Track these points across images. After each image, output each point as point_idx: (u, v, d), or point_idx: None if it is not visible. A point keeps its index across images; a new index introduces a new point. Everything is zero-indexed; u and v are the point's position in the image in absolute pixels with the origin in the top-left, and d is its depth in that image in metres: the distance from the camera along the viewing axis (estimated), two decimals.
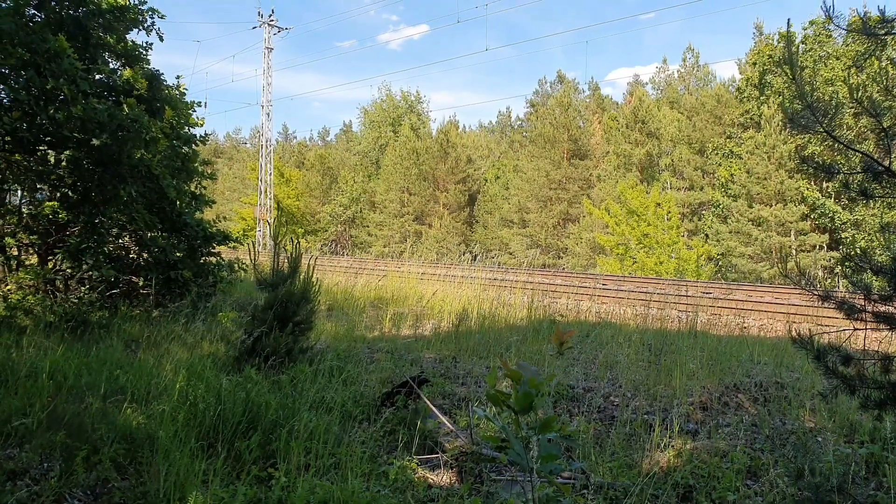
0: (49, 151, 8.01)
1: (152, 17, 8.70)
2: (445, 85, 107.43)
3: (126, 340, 6.39)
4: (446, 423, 4.31)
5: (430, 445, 4.12)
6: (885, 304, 3.21)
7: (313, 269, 6.31)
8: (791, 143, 27.87)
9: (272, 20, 40.83)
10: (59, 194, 8.23)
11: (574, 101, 46.64)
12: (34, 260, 8.06)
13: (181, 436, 3.70)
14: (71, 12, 7.73)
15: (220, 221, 9.48)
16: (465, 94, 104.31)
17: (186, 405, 4.11)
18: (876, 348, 3.61)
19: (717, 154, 34.30)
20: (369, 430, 4.26)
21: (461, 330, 8.09)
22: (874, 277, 3.28)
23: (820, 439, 4.29)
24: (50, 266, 7.94)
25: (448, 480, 3.70)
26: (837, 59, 27.60)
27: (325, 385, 5.04)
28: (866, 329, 3.69)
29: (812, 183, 28.26)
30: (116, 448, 3.65)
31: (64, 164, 7.96)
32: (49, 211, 7.89)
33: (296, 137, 77.35)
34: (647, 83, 52.71)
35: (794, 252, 27.81)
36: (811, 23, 29.97)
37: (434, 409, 4.47)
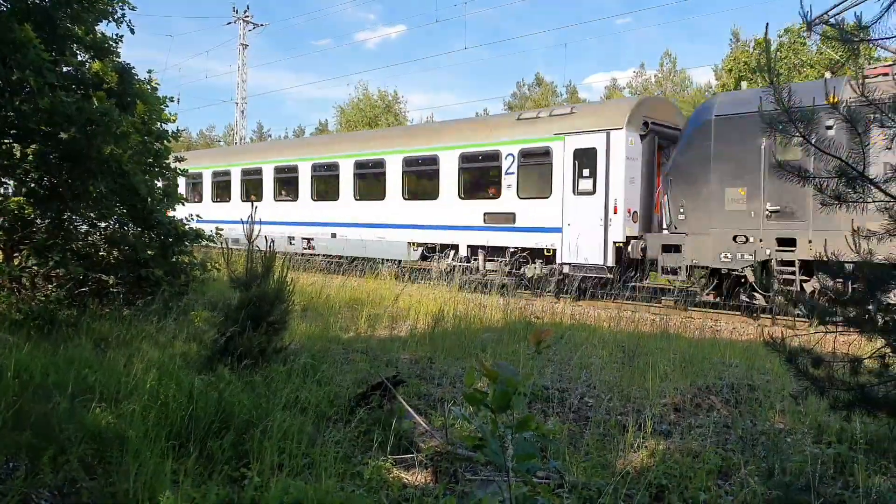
0: (15, 145, 7.81)
1: (122, 9, 8.50)
2: (423, 86, 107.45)
3: (95, 339, 6.25)
4: (422, 423, 4.29)
5: (405, 445, 4.09)
6: (855, 308, 3.26)
7: (288, 269, 6.24)
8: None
9: (247, 16, 40.48)
10: (25, 189, 8.03)
11: (552, 104, 46.88)
12: None
13: (151, 435, 3.64)
14: (37, 2, 7.55)
15: (192, 219, 9.32)
16: (443, 96, 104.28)
17: (157, 405, 4.04)
18: (845, 351, 3.68)
19: None
20: (344, 430, 4.22)
21: (437, 331, 8.08)
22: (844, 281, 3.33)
23: (789, 440, 4.36)
24: (16, 263, 7.75)
25: (423, 480, 3.68)
26: (812, 66, 28.13)
27: (300, 385, 4.99)
28: (837, 332, 3.76)
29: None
30: (85, 448, 3.58)
31: (30, 157, 7.76)
32: (15, 206, 7.69)
33: (270, 135, 76.68)
34: (624, 87, 53.13)
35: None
36: (786, 30, 30.46)
37: (409, 409, 4.45)
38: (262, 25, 41.90)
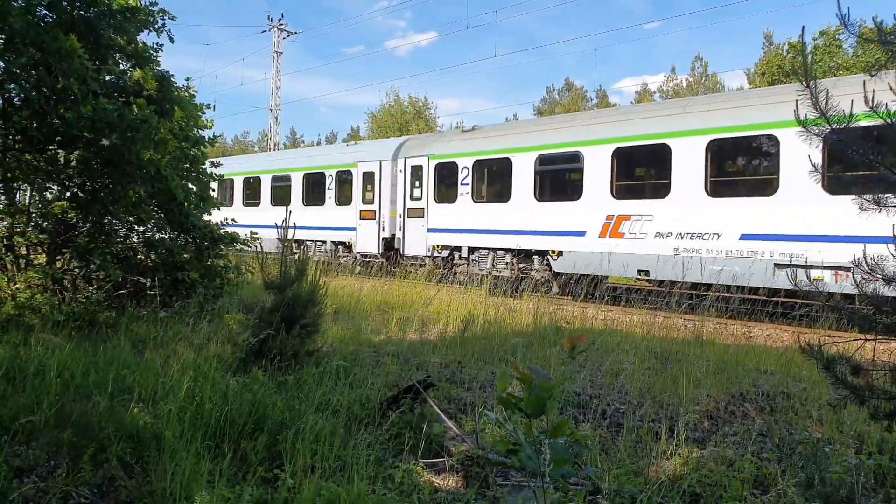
0: (59, 151, 8.04)
1: (163, 19, 8.70)
2: (453, 91, 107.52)
3: (133, 340, 6.39)
4: (452, 427, 4.30)
5: (435, 449, 4.11)
6: None
7: (320, 272, 6.31)
8: None
9: (282, 24, 41.03)
10: (68, 194, 8.26)
11: (582, 109, 46.63)
12: (43, 259, 8.09)
13: (188, 436, 3.70)
14: (82, 13, 7.77)
15: (227, 224, 9.47)
16: (474, 101, 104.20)
17: (193, 405, 4.12)
18: (886, 359, 3.60)
19: None
20: (375, 433, 4.25)
21: (467, 335, 8.08)
22: (885, 287, 3.25)
23: (827, 449, 4.27)
24: (58, 265, 7.96)
25: (454, 484, 3.69)
26: (847, 69, 27.53)
27: (332, 387, 5.04)
28: (876, 340, 3.67)
29: None
30: (123, 447, 3.66)
31: (73, 163, 7.98)
32: (58, 210, 7.92)
33: (303, 141, 77.53)
34: (655, 92, 52.59)
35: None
36: (821, 33, 29.90)
37: (440, 412, 4.46)
38: (296, 33, 42.50)
